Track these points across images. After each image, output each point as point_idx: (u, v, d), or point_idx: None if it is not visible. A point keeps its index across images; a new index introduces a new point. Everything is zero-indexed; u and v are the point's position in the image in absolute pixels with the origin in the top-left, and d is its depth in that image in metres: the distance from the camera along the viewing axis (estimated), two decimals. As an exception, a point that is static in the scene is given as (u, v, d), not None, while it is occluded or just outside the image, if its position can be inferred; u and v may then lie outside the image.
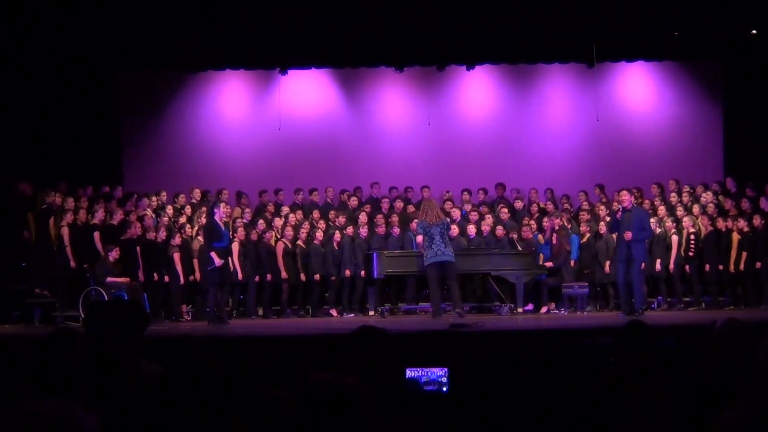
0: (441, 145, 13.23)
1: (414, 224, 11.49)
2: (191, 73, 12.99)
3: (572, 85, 13.33)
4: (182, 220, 11.53)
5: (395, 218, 11.87)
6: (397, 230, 11.68)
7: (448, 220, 10.86)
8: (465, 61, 12.54)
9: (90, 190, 11.66)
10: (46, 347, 4.00)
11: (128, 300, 9.86)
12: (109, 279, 10.45)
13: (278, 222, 11.65)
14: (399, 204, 12.33)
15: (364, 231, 11.65)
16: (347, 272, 11.46)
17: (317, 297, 11.58)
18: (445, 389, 4.31)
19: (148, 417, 2.96)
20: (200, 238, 11.08)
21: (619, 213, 9.98)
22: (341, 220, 11.87)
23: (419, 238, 10.57)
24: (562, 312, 11.25)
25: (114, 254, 10.56)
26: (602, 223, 11.70)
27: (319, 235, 11.58)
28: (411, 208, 12.18)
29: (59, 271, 10.60)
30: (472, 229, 11.62)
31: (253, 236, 11.41)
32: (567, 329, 8.14)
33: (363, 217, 11.81)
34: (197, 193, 12.09)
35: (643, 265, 10.01)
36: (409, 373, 4.35)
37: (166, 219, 11.34)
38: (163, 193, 11.92)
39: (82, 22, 10.68)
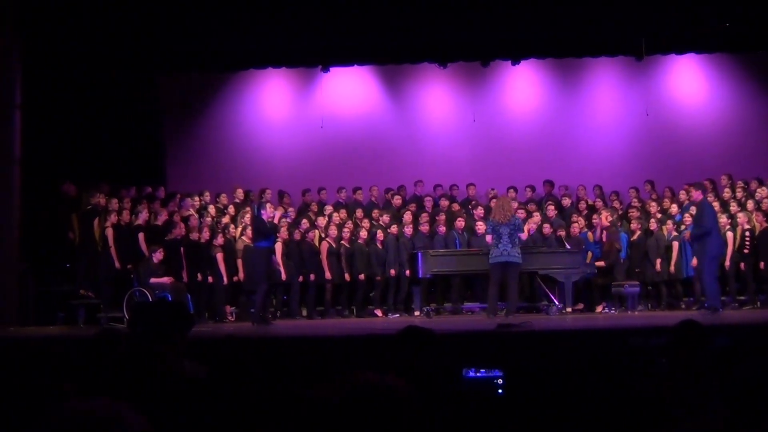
0: (486, 142, 13.10)
1: (460, 222, 11.53)
2: (233, 72, 12.99)
3: (620, 79, 13.17)
4: (225, 220, 11.51)
5: (441, 217, 11.79)
6: (442, 229, 11.62)
7: (520, 219, 10.69)
8: (510, 55, 12.35)
9: (133, 191, 11.71)
10: (91, 348, 4.03)
11: (172, 301, 9.84)
12: (153, 280, 10.51)
13: (321, 221, 11.64)
14: (444, 202, 12.23)
15: (408, 230, 11.61)
16: (392, 272, 11.42)
17: (362, 297, 11.55)
18: (500, 391, 4.25)
19: (191, 417, 2.97)
20: (244, 238, 11.11)
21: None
22: (385, 218, 11.83)
23: (488, 238, 10.43)
24: (613, 311, 11.12)
25: (158, 255, 10.58)
26: (652, 220, 11.52)
27: (364, 234, 11.54)
28: (456, 207, 12.11)
29: (103, 272, 10.67)
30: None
31: (297, 236, 11.40)
32: (618, 329, 8.04)
33: (408, 216, 11.76)
34: (240, 193, 12.10)
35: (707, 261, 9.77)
36: (465, 374, 4.29)
37: (209, 219, 11.34)
38: (206, 193, 11.90)
39: (124, 26, 10.80)
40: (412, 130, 13.21)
